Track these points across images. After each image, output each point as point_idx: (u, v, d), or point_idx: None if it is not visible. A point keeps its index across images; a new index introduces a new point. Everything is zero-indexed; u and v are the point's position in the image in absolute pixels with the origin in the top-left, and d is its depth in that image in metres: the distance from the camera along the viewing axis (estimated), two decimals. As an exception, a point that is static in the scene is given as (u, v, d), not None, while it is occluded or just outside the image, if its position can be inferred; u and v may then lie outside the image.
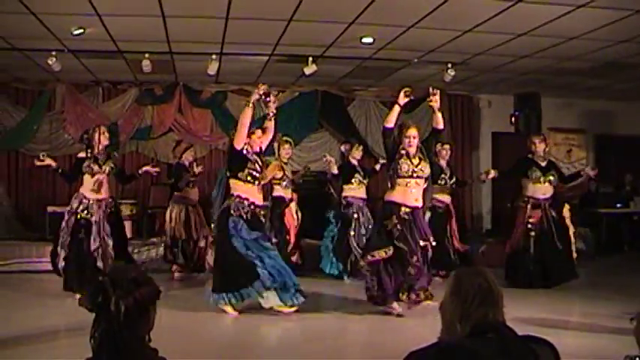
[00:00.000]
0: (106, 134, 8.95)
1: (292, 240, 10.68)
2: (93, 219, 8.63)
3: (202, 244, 10.66)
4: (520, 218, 9.85)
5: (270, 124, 8.09)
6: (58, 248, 8.67)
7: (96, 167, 8.72)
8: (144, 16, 8.86)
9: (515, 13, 8.41)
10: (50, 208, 12.09)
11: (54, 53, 10.56)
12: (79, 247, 8.56)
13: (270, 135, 8.13)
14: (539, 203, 9.72)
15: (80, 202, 8.68)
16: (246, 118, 7.58)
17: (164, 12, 8.64)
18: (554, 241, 9.60)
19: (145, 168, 9.62)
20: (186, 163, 10.75)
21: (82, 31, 9.40)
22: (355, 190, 10.73)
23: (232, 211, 7.59)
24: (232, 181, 7.73)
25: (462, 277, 2.50)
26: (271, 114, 8.05)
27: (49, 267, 9.14)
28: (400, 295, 7.65)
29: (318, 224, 11.31)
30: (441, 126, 7.86)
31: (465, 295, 2.42)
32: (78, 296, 7.53)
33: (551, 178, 9.75)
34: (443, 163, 10.76)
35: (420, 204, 7.60)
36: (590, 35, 9.45)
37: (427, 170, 7.64)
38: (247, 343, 6.69)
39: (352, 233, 10.52)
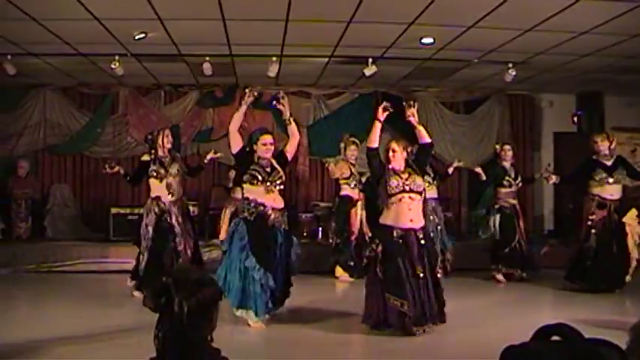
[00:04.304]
0: (170, 137, 9.09)
1: (354, 239, 10.66)
2: (173, 221, 8.82)
3: None
4: (584, 216, 9.55)
5: (292, 128, 7.60)
6: (140, 254, 8.82)
7: (162, 171, 8.87)
8: (204, 19, 8.96)
9: (576, 11, 8.26)
10: (114, 210, 12.34)
11: (117, 58, 10.74)
12: (161, 250, 8.72)
13: (295, 140, 7.60)
14: (606, 203, 9.42)
15: (158, 206, 8.85)
16: (233, 122, 7.28)
17: (224, 15, 8.72)
18: (611, 246, 9.31)
19: (209, 156, 9.47)
20: None
21: (144, 35, 9.56)
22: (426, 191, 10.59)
23: (238, 213, 7.45)
24: (244, 186, 7.34)
25: None
26: (286, 119, 7.56)
27: (113, 267, 9.30)
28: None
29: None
30: (426, 140, 7.20)
31: None
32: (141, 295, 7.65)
33: (620, 177, 9.43)
34: (506, 164, 10.67)
35: (416, 225, 6.80)
36: (655, 32, 9.26)
37: (421, 184, 6.95)
38: (303, 343, 6.71)
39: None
